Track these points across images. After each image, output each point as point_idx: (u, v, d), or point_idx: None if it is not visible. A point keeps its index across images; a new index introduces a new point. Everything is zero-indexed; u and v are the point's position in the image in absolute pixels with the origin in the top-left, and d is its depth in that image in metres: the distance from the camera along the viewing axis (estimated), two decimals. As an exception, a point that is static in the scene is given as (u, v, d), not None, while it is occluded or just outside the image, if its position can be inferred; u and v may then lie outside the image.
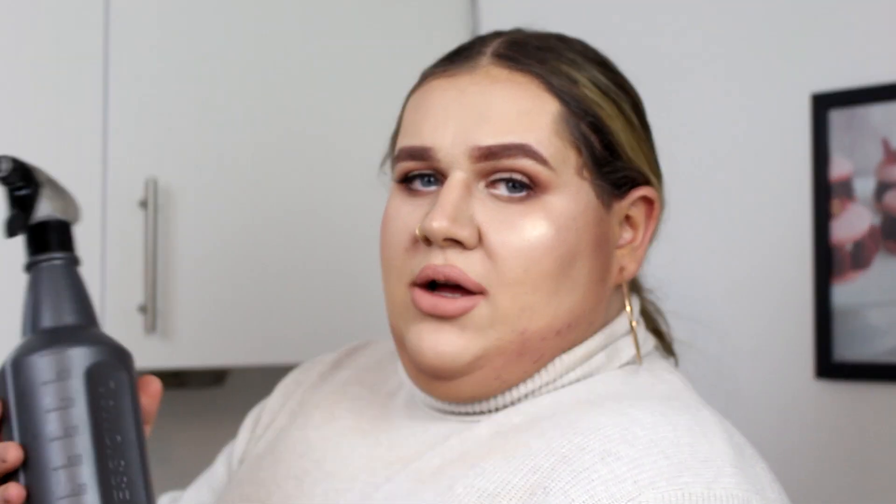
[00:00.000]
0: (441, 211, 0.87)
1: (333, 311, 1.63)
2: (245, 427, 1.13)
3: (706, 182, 1.62)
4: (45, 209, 0.84)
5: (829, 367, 1.49)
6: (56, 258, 0.83)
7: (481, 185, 0.89)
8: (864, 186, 1.48)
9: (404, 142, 0.92)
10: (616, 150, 0.92)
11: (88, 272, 1.42)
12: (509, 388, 0.92)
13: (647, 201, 0.95)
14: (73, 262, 0.85)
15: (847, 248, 1.49)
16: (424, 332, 0.89)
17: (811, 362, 1.52)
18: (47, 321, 0.82)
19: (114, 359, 0.81)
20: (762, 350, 1.56)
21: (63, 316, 0.82)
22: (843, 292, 1.49)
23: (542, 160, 0.88)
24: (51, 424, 0.78)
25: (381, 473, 0.92)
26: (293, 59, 1.62)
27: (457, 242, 0.87)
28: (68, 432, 0.78)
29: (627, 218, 0.95)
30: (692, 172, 1.63)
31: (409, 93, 0.96)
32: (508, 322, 0.88)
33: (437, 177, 0.91)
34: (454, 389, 0.91)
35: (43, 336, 0.81)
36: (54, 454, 0.77)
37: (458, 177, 0.88)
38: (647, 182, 0.94)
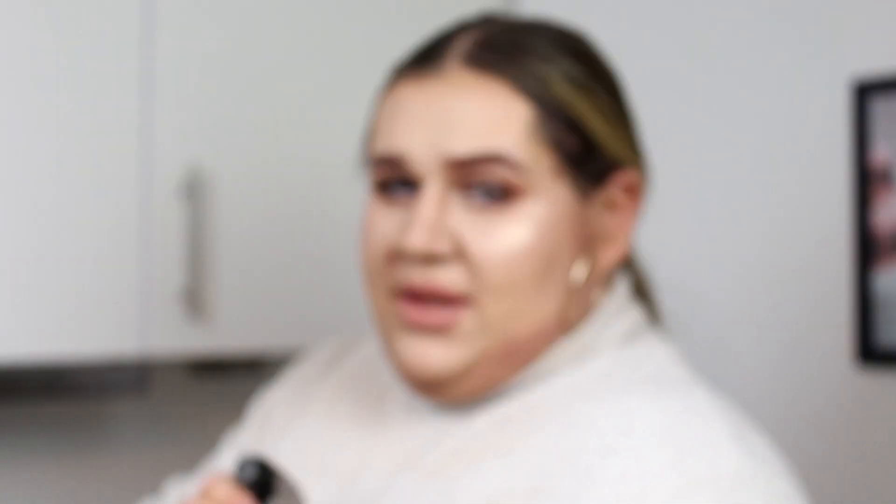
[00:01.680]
0: (418, 227, 0.86)
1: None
2: (252, 418, 1.11)
3: (739, 171, 1.62)
4: None
5: (871, 353, 1.48)
6: None
7: (457, 193, 0.88)
8: (907, 173, 1.47)
9: (378, 148, 0.91)
10: (594, 146, 0.90)
11: (129, 258, 1.44)
12: (500, 383, 0.91)
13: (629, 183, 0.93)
14: None
15: (889, 234, 1.48)
16: (412, 345, 0.89)
17: (848, 350, 1.51)
18: None
19: None
20: (799, 338, 1.56)
21: None
22: (886, 279, 1.48)
23: (516, 167, 0.86)
24: None
25: (383, 472, 0.92)
26: (333, 46, 1.63)
27: (436, 256, 0.87)
28: None
29: (612, 204, 0.93)
30: (727, 160, 1.62)
31: (382, 91, 0.94)
32: (495, 328, 0.88)
33: (413, 183, 0.90)
34: (444, 396, 0.91)
35: None
36: None
37: (432, 189, 0.87)
38: (629, 165, 0.93)
